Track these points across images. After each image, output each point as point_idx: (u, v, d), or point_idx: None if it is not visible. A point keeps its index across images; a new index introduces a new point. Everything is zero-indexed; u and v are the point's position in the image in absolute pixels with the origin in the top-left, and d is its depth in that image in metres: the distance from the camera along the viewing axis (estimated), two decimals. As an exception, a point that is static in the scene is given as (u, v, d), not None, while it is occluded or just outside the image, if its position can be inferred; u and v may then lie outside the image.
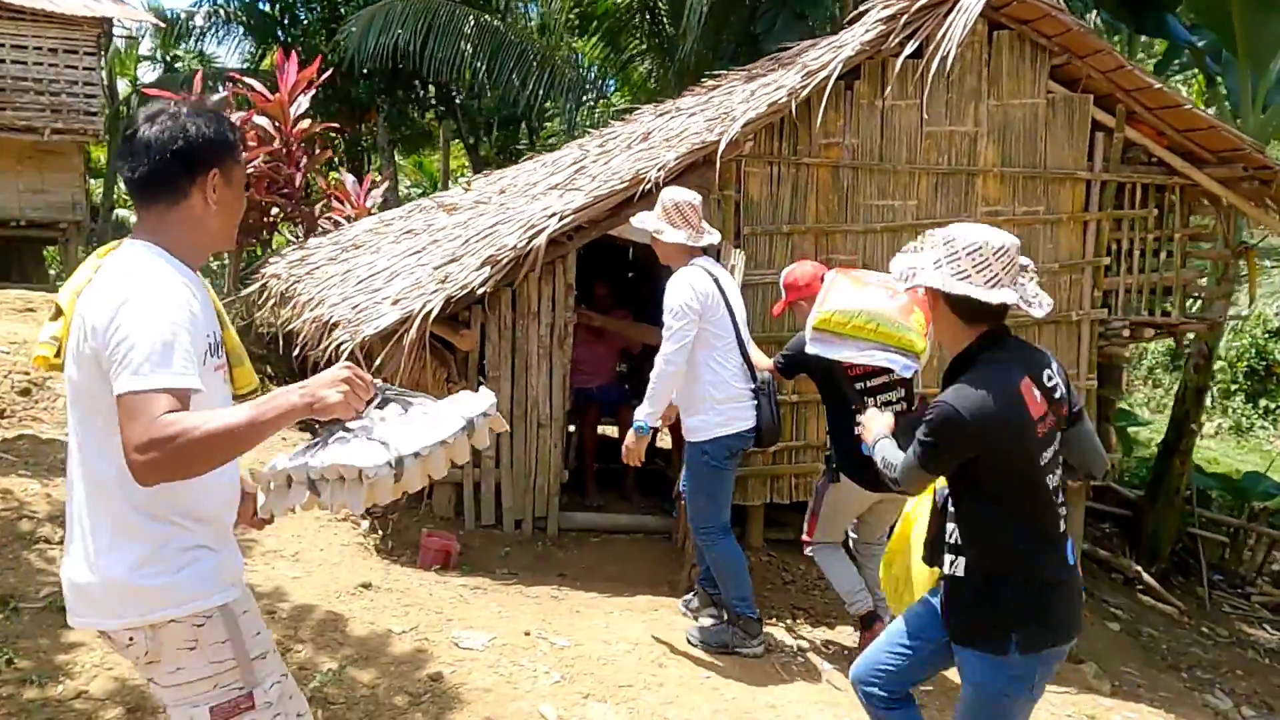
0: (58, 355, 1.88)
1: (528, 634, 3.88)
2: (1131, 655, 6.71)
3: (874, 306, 3.61)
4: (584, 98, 13.39)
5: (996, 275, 2.32)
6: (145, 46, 14.04)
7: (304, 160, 7.67)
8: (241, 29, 15.34)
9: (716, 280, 3.87)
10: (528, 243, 4.74)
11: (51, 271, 7.16)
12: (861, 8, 5.60)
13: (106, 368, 1.64)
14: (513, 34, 13.55)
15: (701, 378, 3.81)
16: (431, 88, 14.33)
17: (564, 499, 5.57)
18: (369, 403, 1.78)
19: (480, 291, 4.69)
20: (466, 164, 17.34)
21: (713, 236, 3.99)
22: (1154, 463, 9.32)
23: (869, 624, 3.98)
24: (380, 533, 4.84)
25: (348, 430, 1.81)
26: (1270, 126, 7.76)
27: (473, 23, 13.07)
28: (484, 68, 12.95)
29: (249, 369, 2.06)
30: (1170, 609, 8.72)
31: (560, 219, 4.75)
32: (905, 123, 5.41)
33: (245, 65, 15.10)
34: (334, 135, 13.32)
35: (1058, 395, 2.37)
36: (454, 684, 3.39)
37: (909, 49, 5.15)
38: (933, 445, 2.32)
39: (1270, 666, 7.97)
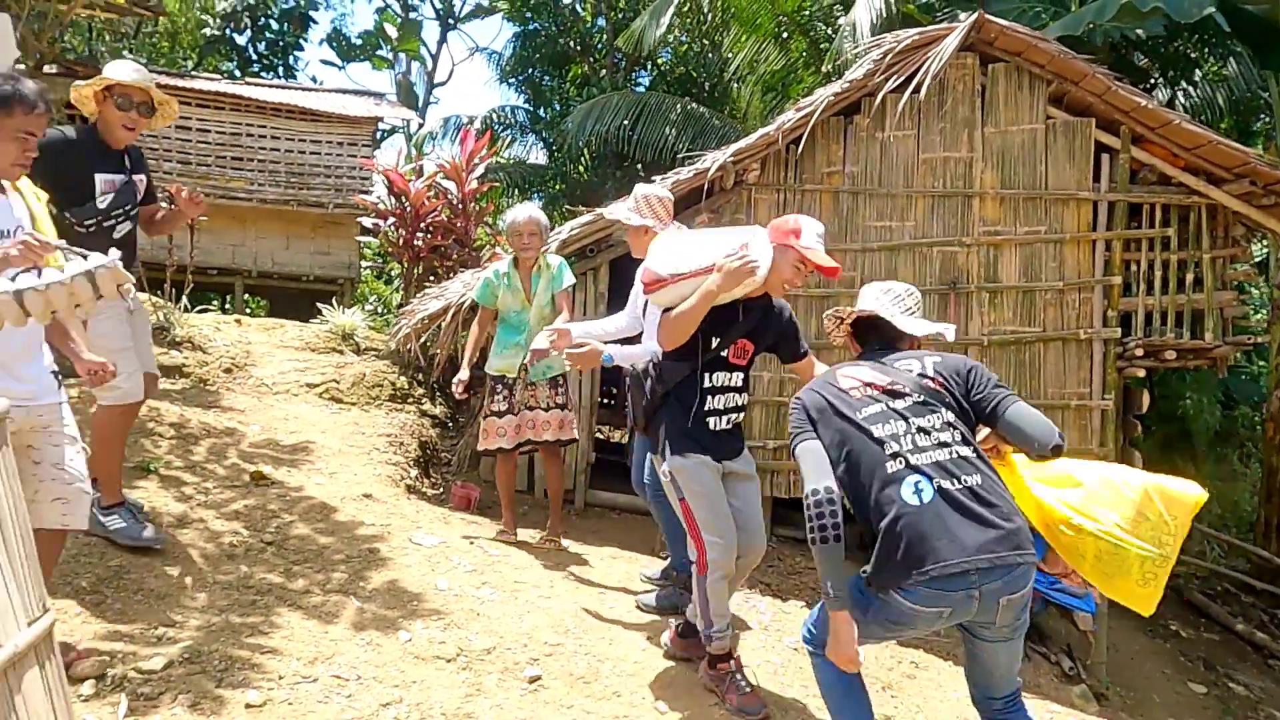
0: None
1: (471, 541, 4.85)
2: (1199, 716, 6.19)
3: None
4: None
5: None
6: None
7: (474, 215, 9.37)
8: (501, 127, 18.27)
9: None
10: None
11: (322, 315, 9.34)
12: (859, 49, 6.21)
13: None
14: (716, 119, 14.93)
15: None
16: (639, 167, 16.13)
17: (598, 480, 6.46)
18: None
19: (503, 288, 5.84)
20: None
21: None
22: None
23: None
24: (424, 477, 6.05)
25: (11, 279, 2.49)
26: None
27: (679, 110, 14.65)
28: (685, 148, 14.41)
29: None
30: (1341, 707, 7.61)
31: (570, 230, 5.83)
32: (902, 151, 5.90)
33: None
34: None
35: (908, 373, 2.72)
36: (386, 556, 4.42)
37: (891, 84, 5.69)
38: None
39: None
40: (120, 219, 3.94)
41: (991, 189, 5.77)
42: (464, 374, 4.89)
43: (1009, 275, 5.76)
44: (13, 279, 2.48)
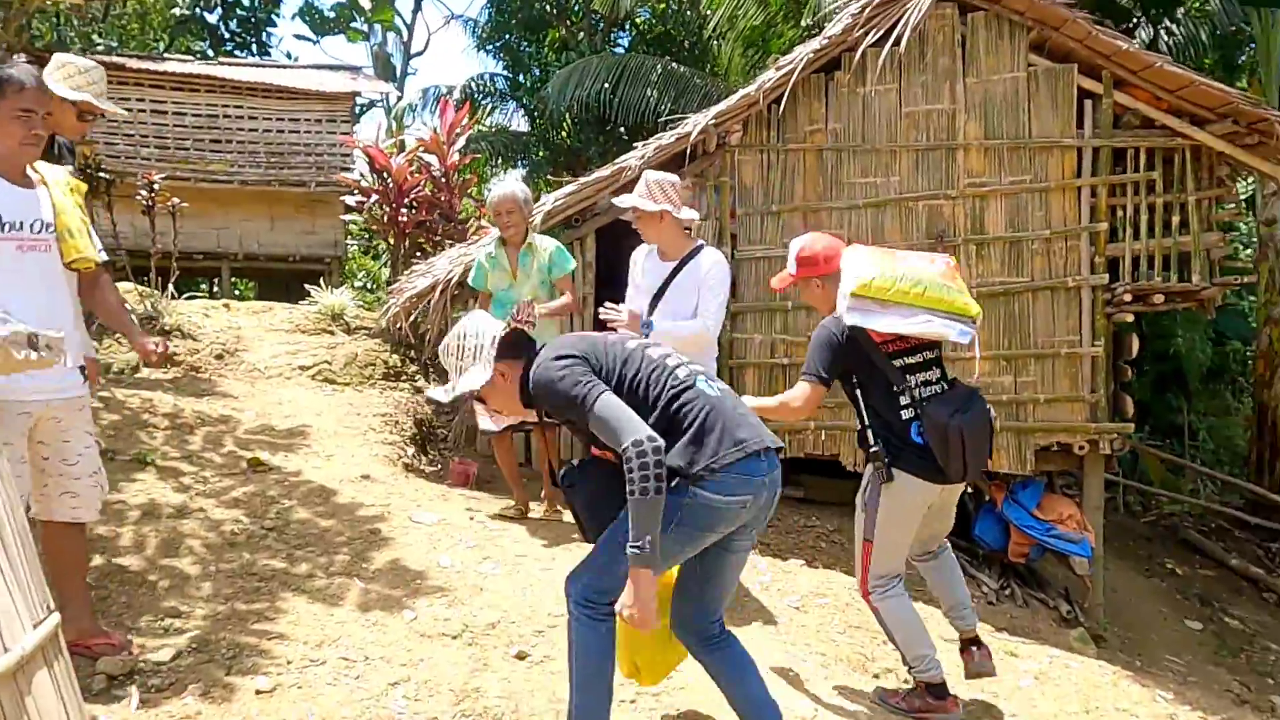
0: None
1: (471, 516, 4.88)
2: (1196, 652, 6.30)
3: (916, 271, 3.28)
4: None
5: None
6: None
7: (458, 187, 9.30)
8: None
9: None
10: (527, 223, 5.80)
11: (311, 296, 9.31)
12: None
13: None
14: (698, 78, 14.77)
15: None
16: (622, 130, 16.00)
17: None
18: None
19: (488, 263, 5.82)
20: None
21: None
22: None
23: (940, 695, 3.44)
24: (421, 454, 6.08)
25: None
26: None
27: (659, 70, 14.49)
28: (667, 109, 14.26)
29: (76, 245, 2.91)
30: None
31: (554, 201, 5.79)
32: (884, 106, 5.86)
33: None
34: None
35: None
36: (388, 536, 4.45)
37: (871, 38, 5.64)
38: None
39: None
40: None
41: (975, 140, 5.74)
42: None
43: (995, 226, 5.75)
44: None
